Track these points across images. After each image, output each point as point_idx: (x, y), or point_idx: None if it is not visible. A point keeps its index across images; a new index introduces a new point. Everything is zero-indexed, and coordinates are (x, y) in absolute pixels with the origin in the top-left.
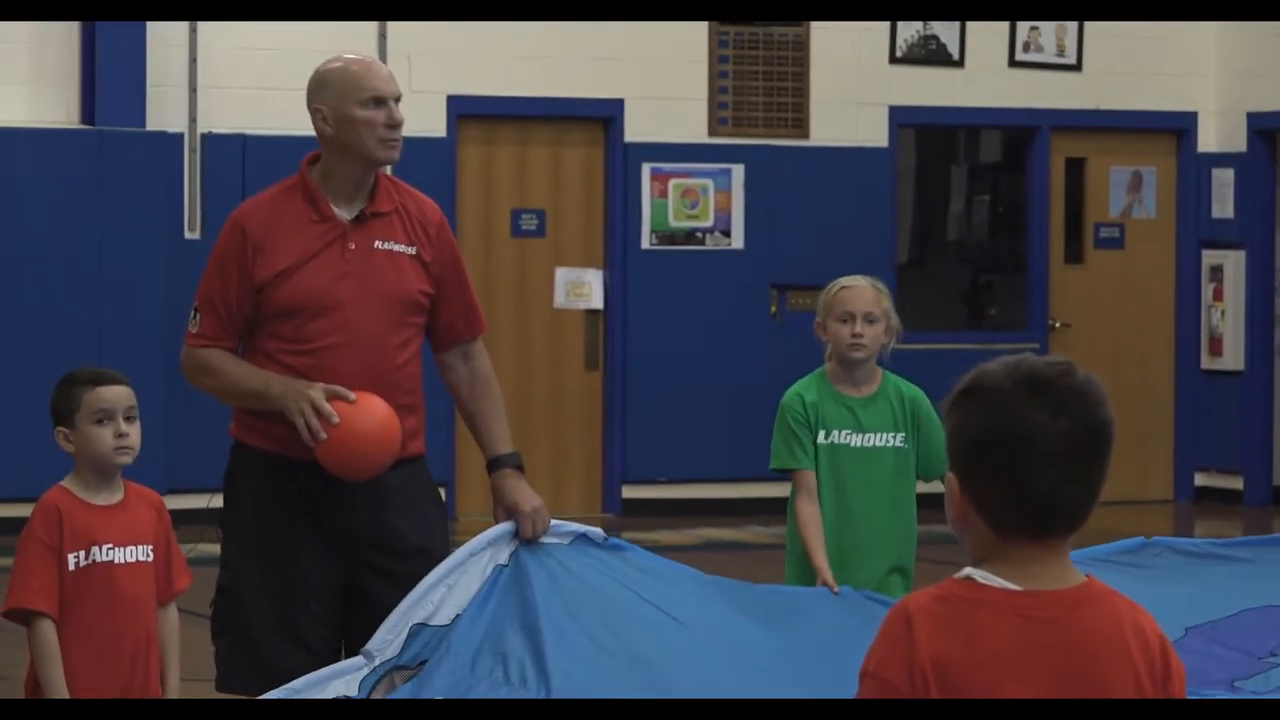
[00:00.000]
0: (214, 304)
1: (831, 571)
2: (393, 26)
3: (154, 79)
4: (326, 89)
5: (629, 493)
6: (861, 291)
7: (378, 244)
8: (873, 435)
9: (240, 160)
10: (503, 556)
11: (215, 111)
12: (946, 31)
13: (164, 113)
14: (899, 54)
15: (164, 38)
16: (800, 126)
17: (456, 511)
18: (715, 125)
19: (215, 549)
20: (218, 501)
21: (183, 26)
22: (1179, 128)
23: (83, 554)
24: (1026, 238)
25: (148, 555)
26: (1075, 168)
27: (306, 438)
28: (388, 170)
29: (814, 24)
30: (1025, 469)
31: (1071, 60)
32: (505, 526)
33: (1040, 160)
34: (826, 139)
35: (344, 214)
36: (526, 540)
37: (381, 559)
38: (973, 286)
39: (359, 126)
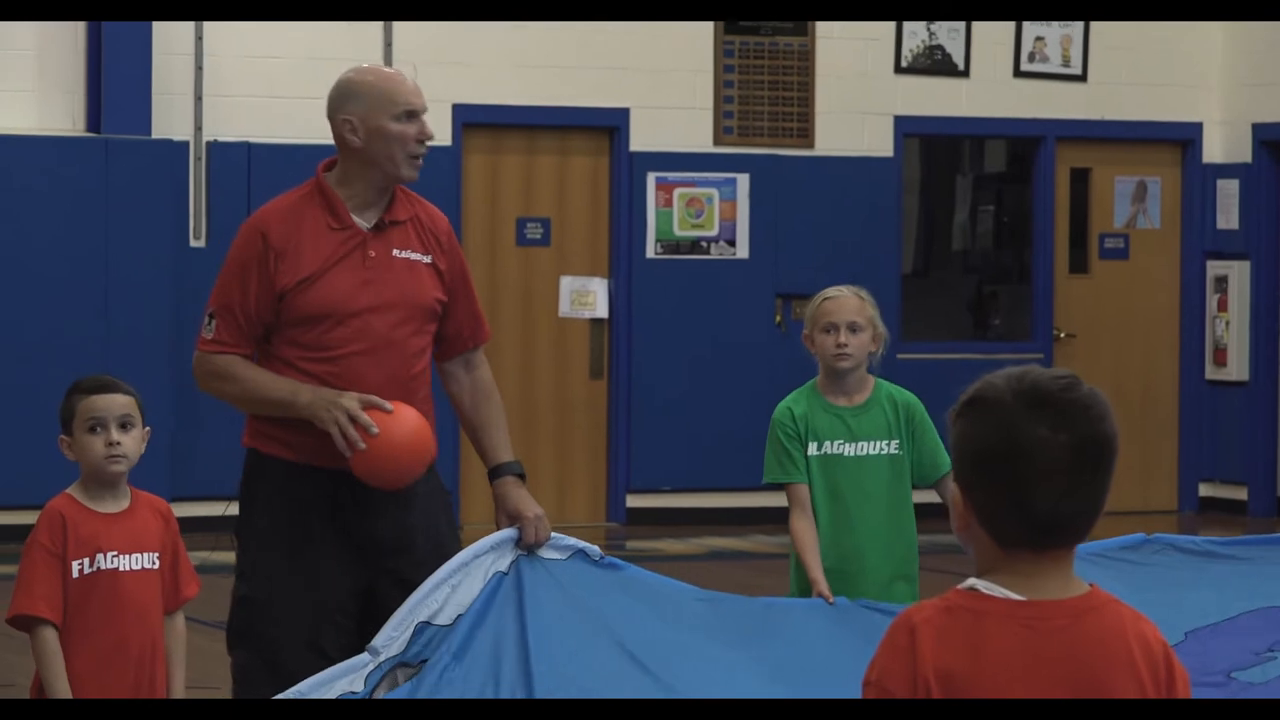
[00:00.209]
0: (232, 310)
1: (835, 582)
2: (399, 35)
3: (159, 87)
4: (357, 100)
5: (633, 502)
6: (845, 301)
7: (396, 252)
8: (866, 443)
9: (245, 168)
10: (503, 564)
11: (220, 120)
12: (952, 41)
13: (169, 120)
14: (904, 64)
15: (170, 45)
16: (805, 136)
17: (461, 519)
18: (720, 135)
19: (219, 557)
20: (233, 509)
21: (189, 35)
22: (1184, 138)
23: (87, 561)
24: (1031, 248)
25: (153, 562)
26: (1080, 178)
27: (343, 446)
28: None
29: (819, 34)
30: (1026, 482)
31: (1077, 70)
32: (508, 533)
33: (1045, 170)
34: (831, 149)
35: (363, 222)
36: (528, 546)
37: (401, 565)
38: (977, 296)
39: (391, 140)
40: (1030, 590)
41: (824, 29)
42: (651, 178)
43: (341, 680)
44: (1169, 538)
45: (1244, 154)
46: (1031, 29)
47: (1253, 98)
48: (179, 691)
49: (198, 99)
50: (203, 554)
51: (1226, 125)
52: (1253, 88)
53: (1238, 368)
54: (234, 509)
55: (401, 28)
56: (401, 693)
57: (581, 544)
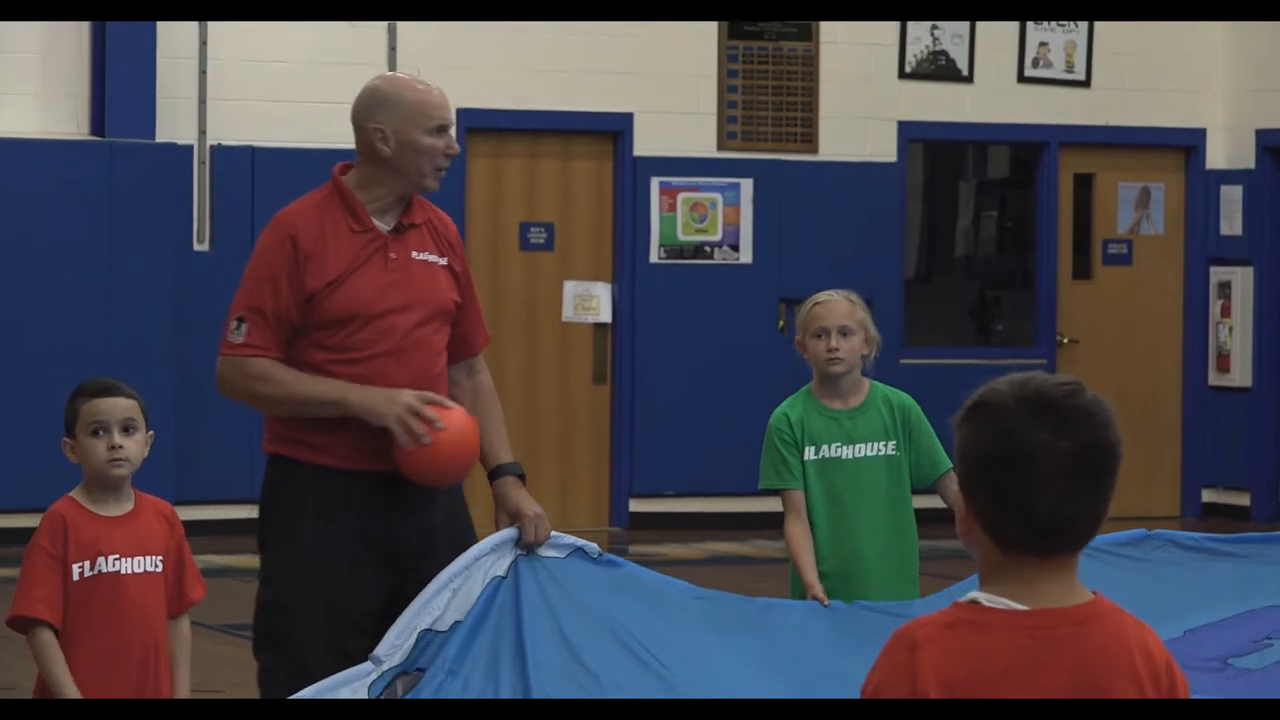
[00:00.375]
0: (263, 313)
1: (836, 585)
2: (403, 39)
3: (164, 91)
4: (390, 110)
5: (636, 506)
6: (835, 306)
7: (415, 254)
8: (863, 445)
9: (249, 172)
10: (501, 568)
11: (224, 123)
12: (956, 47)
13: (173, 124)
14: (908, 69)
15: (174, 49)
16: (809, 141)
17: None
18: (724, 139)
19: (223, 560)
20: (234, 512)
21: (193, 38)
22: (1187, 144)
23: (88, 564)
24: (1034, 253)
25: (156, 566)
26: (1083, 184)
27: (406, 442)
28: None
29: (823, 39)
30: (1027, 487)
31: (1080, 76)
32: (508, 533)
33: (1048, 176)
34: (835, 154)
35: (382, 225)
36: (528, 544)
37: (425, 567)
38: (980, 302)
39: (422, 153)
40: (1032, 598)
41: (828, 34)
42: (655, 182)
43: (344, 689)
44: (1169, 534)
45: (1247, 160)
46: (1035, 34)
47: (1256, 103)
48: (184, 690)
49: (201, 103)
50: (207, 557)
51: (1230, 131)
52: (1256, 93)
53: (1241, 373)
54: (233, 513)
55: (406, 32)
56: None
57: (580, 542)
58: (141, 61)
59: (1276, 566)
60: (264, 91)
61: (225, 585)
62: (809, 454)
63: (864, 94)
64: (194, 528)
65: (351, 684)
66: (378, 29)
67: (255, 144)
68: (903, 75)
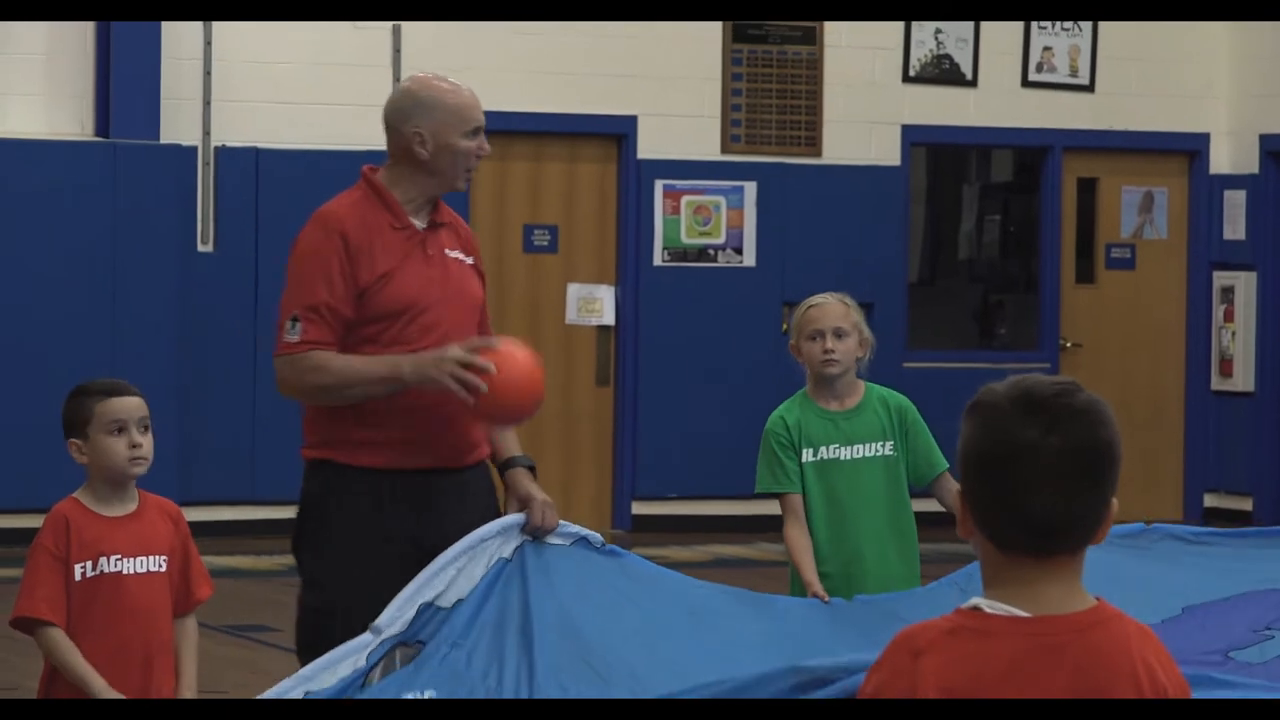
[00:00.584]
0: (318, 309)
1: (838, 586)
2: (407, 41)
3: (168, 92)
4: (430, 113)
5: (639, 509)
6: (829, 308)
7: (447, 251)
8: (861, 446)
9: (253, 173)
10: (507, 550)
11: (229, 125)
12: (960, 51)
13: (177, 126)
14: (912, 73)
15: (178, 50)
16: (813, 145)
17: None
18: (728, 143)
19: (224, 561)
20: (242, 513)
21: (197, 39)
22: (1191, 149)
23: (90, 564)
24: (1038, 257)
25: (160, 565)
26: (1087, 188)
27: (465, 396)
28: None
29: (827, 43)
30: (1020, 486)
31: (1084, 81)
32: (516, 518)
33: (1052, 180)
34: (839, 157)
35: (417, 222)
36: (535, 529)
37: None
38: (983, 306)
39: (458, 155)
40: (1033, 602)
41: (832, 38)
42: (659, 185)
43: (346, 661)
44: (1168, 527)
45: (1251, 165)
46: (1039, 38)
47: (1260, 108)
48: (189, 689)
49: (206, 104)
50: (208, 558)
51: (1234, 136)
52: (1260, 98)
53: (1244, 378)
54: (236, 514)
55: (410, 33)
56: (402, 675)
57: (584, 531)
58: (146, 62)
59: (1277, 552)
60: (268, 93)
61: (228, 586)
62: (807, 456)
63: (868, 98)
64: (196, 529)
65: (352, 655)
66: (382, 30)
67: (259, 145)
68: (907, 79)
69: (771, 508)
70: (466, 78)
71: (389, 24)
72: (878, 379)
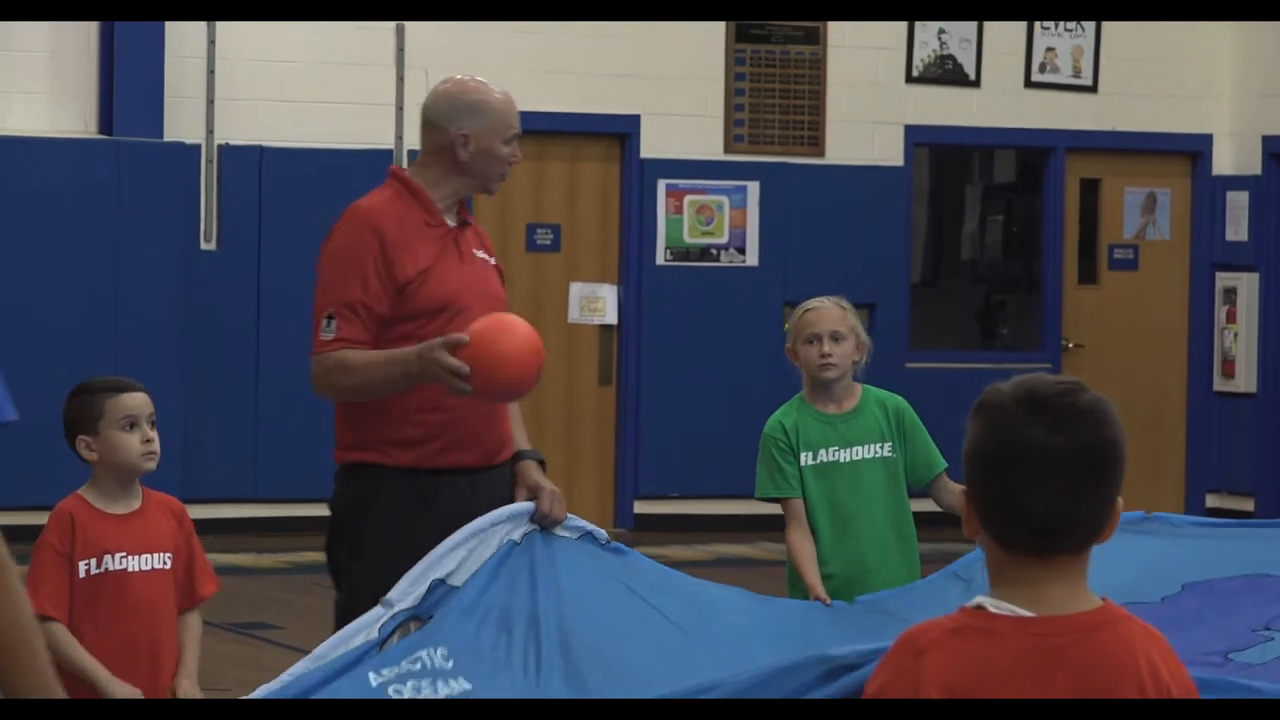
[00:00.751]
0: (353, 306)
1: (840, 589)
2: (410, 40)
3: (171, 90)
4: (477, 117)
5: (641, 508)
6: (826, 312)
7: (475, 251)
8: (860, 448)
9: (257, 172)
10: (517, 535)
11: (232, 123)
12: (963, 51)
13: (181, 124)
14: (915, 73)
15: (182, 49)
16: (816, 144)
17: None
18: (731, 142)
19: (226, 559)
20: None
21: (200, 38)
22: (1194, 150)
23: (94, 561)
24: (1040, 258)
25: (165, 563)
26: (1090, 188)
27: (458, 385)
28: None
29: (830, 43)
30: (1023, 485)
31: (1087, 81)
32: (526, 506)
33: (1055, 181)
34: (842, 157)
35: (449, 221)
36: (543, 517)
37: None
38: (986, 306)
39: (496, 161)
40: (1038, 602)
41: (835, 38)
42: (662, 185)
43: (359, 635)
44: (1169, 517)
45: (1254, 166)
46: (1042, 39)
47: (1263, 109)
48: (188, 676)
49: (209, 102)
50: (212, 556)
51: (1236, 137)
52: (1263, 99)
53: (1246, 379)
54: (240, 511)
55: (413, 32)
56: (412, 641)
57: (590, 526)
58: (149, 61)
59: (1277, 544)
60: (272, 91)
61: (230, 584)
62: (806, 459)
63: (871, 98)
64: (199, 526)
65: (364, 629)
66: (385, 29)
67: (263, 143)
68: (910, 79)
69: (773, 507)
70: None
71: (392, 23)
72: (880, 379)
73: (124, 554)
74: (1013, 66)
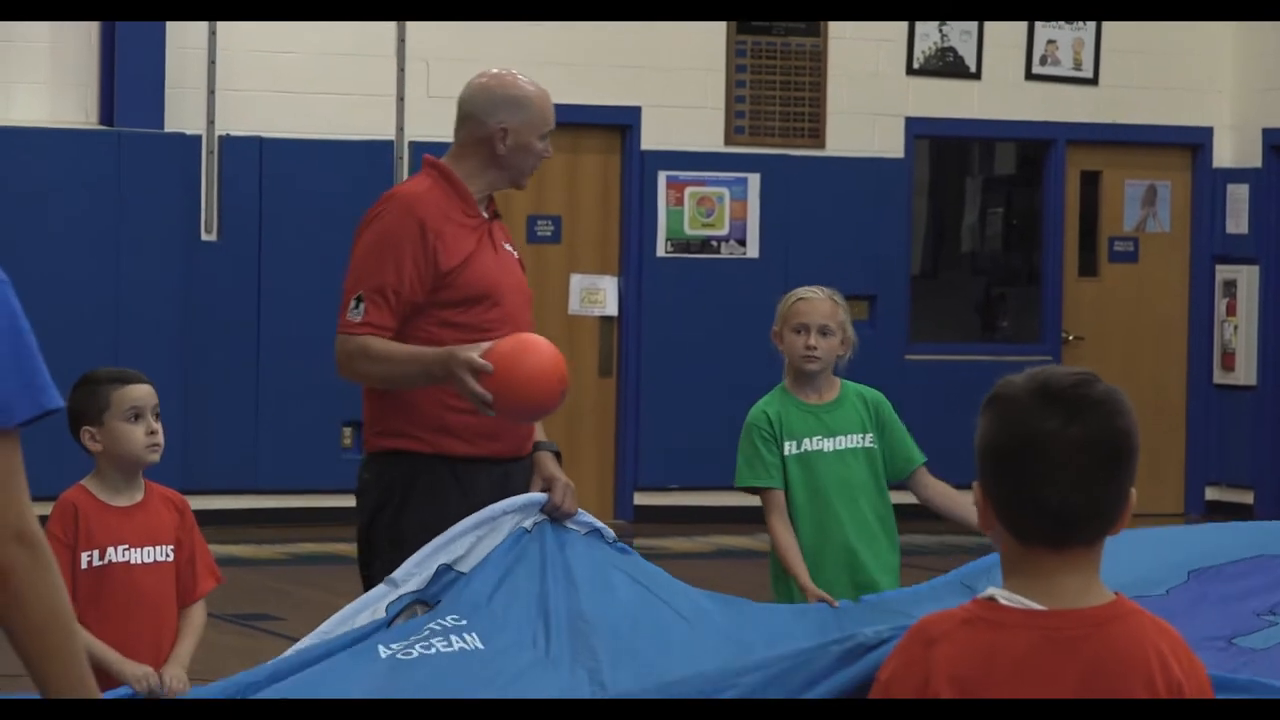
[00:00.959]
0: (384, 291)
1: (834, 579)
2: (411, 32)
3: (172, 81)
4: (518, 111)
5: (641, 499)
6: (818, 304)
7: (504, 244)
8: (843, 438)
9: (257, 162)
10: (528, 523)
11: (233, 114)
12: (964, 43)
13: (182, 114)
14: (916, 65)
15: (183, 40)
16: (816, 136)
17: None
18: (732, 134)
19: (225, 550)
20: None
21: (201, 29)
22: (1194, 142)
23: (96, 554)
24: (1040, 250)
25: (167, 555)
26: (1090, 181)
27: (481, 409)
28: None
29: (831, 34)
30: (1038, 475)
31: (1088, 74)
32: (538, 496)
33: (1055, 173)
34: (842, 149)
35: (484, 214)
36: (554, 508)
37: None
38: (986, 298)
39: (530, 156)
40: (1050, 595)
41: (836, 29)
42: (662, 176)
43: (364, 613)
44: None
45: (1254, 158)
46: (1044, 32)
47: (1263, 102)
48: (177, 661)
49: (210, 93)
50: (212, 547)
51: (1237, 130)
52: (1264, 92)
53: (1246, 372)
54: (240, 503)
55: (414, 24)
56: (418, 623)
57: (599, 524)
58: (150, 52)
59: None
60: (272, 82)
61: (230, 575)
62: (789, 449)
63: (872, 90)
64: (200, 518)
65: (370, 606)
66: (386, 20)
67: (263, 135)
68: (910, 71)
69: None
70: (470, 68)
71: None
72: (880, 371)
73: (126, 546)
74: (1013, 59)
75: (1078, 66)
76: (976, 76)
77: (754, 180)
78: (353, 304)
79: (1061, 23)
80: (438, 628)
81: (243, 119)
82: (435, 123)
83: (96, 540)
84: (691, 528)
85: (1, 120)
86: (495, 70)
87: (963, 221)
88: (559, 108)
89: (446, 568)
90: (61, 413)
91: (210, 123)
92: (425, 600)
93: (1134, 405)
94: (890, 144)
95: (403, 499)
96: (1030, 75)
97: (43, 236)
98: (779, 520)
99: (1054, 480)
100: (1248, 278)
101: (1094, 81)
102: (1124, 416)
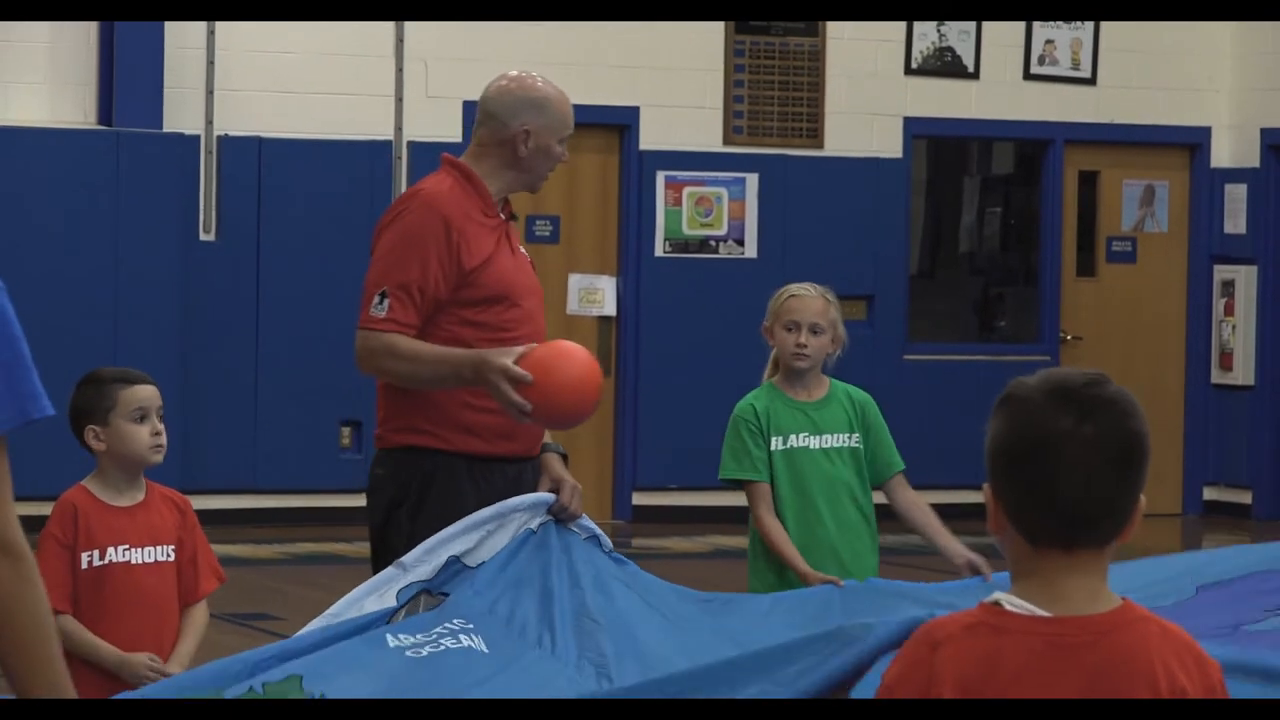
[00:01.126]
0: (409, 289)
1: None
2: (410, 31)
3: (171, 81)
4: (541, 114)
5: (639, 499)
6: (810, 302)
7: (519, 246)
8: (830, 436)
9: (256, 162)
10: (534, 523)
11: (231, 114)
12: (962, 43)
13: (180, 114)
14: (914, 65)
15: (181, 40)
16: (815, 136)
17: None
18: (730, 134)
19: (226, 550)
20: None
21: (200, 29)
22: (1192, 142)
23: (97, 554)
24: (1038, 250)
25: (168, 555)
26: (1088, 181)
27: (517, 417)
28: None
29: (830, 34)
30: (1050, 474)
31: (1086, 74)
32: (546, 496)
33: (1053, 173)
34: (841, 149)
35: (501, 215)
36: (561, 509)
37: None
38: (984, 298)
39: (549, 159)
40: (1057, 602)
41: (834, 29)
42: (661, 176)
43: (371, 596)
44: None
45: (1252, 158)
46: (1042, 32)
47: (1261, 102)
48: (178, 662)
49: (209, 93)
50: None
51: (1235, 130)
52: (1262, 92)
53: (1244, 372)
54: (238, 502)
55: (412, 24)
56: (427, 619)
57: (599, 531)
58: (149, 51)
59: None
60: (271, 82)
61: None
62: (776, 444)
63: (870, 90)
64: (198, 517)
65: (377, 590)
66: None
67: (262, 134)
68: (909, 71)
69: None
70: (469, 68)
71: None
72: (878, 371)
73: (127, 546)
74: (1012, 59)
75: (1076, 66)
76: (975, 76)
77: (752, 180)
78: (376, 300)
79: (1059, 22)
80: (445, 630)
81: (241, 119)
82: (434, 122)
83: (97, 540)
84: (690, 527)
85: (0, 120)
86: (516, 72)
87: (961, 221)
88: None
89: (455, 559)
90: (62, 413)
91: (209, 123)
92: (432, 590)
93: None
94: (888, 144)
95: (419, 496)
96: (1028, 75)
97: (41, 236)
98: (766, 512)
99: (1067, 479)
100: (1246, 278)
101: (1092, 81)
102: (1136, 418)
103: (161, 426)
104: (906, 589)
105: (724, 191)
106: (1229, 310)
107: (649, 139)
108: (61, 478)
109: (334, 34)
